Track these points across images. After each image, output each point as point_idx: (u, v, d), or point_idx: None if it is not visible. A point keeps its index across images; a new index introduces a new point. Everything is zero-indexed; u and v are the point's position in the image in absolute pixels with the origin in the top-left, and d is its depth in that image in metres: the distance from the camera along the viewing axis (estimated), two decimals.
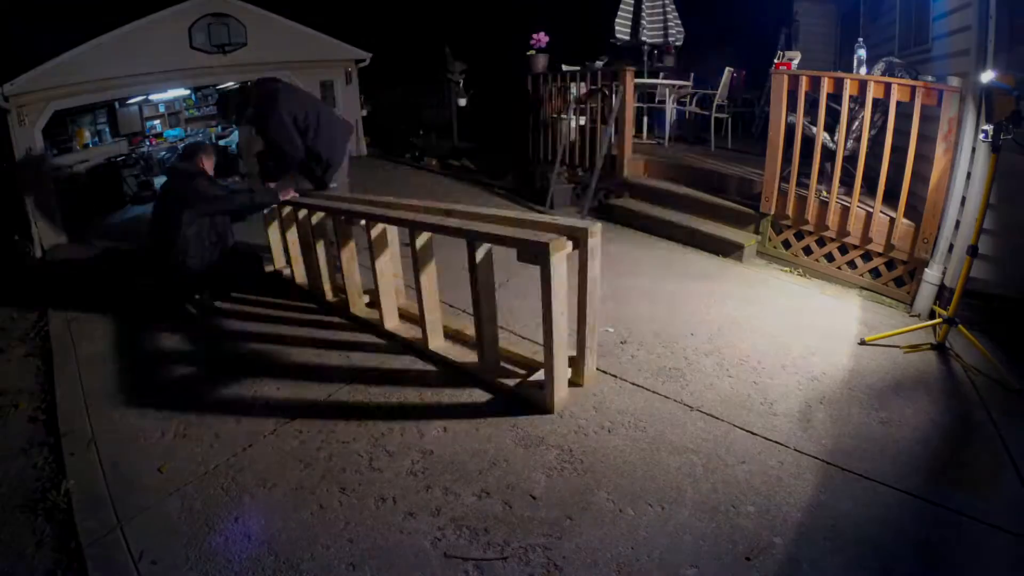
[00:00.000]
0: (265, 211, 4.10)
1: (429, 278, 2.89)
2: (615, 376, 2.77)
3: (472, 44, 8.44)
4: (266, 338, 3.41)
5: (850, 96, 3.60)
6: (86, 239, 5.81)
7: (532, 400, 2.56)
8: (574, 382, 2.68)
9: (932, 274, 3.30)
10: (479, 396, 2.67)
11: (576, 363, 2.69)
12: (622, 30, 6.11)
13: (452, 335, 3.11)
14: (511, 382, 2.68)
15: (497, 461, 2.25)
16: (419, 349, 3.06)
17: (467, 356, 2.92)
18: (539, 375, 2.63)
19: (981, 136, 2.81)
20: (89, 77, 6.12)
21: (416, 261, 2.84)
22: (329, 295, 3.72)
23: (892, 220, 3.50)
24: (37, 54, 5.72)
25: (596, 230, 2.48)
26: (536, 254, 2.32)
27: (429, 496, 2.10)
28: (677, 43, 6.26)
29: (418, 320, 3.03)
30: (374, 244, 3.10)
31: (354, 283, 3.49)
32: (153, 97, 9.17)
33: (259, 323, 3.65)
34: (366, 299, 3.60)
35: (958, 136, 3.13)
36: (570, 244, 2.40)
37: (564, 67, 5.80)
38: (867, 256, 3.72)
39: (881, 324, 3.23)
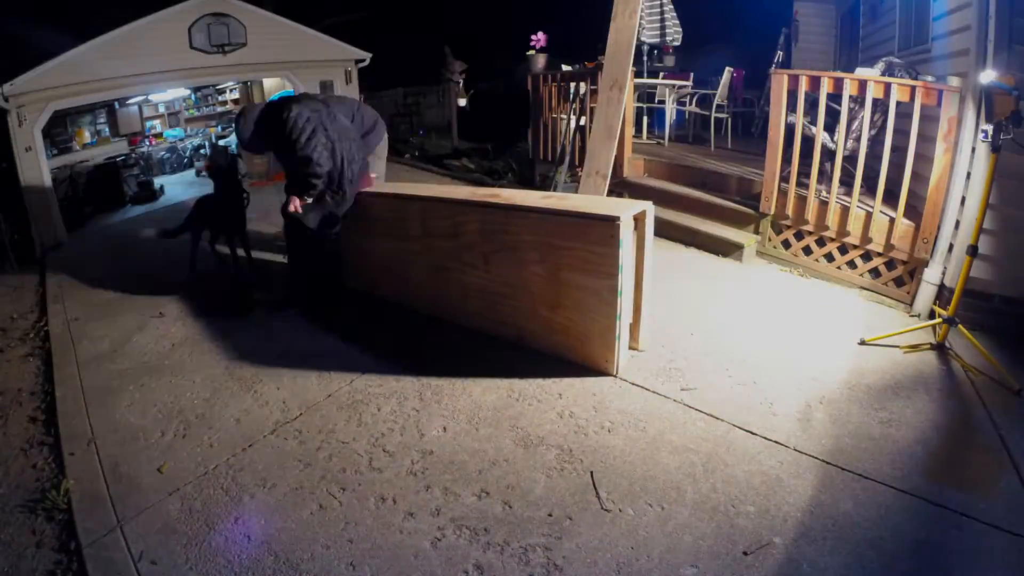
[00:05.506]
0: None
1: None
2: (615, 376, 2.77)
3: (472, 44, 8.44)
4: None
5: (850, 96, 3.60)
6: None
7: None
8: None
9: (932, 274, 3.29)
10: None
11: (633, 329, 2.95)
12: None
13: None
14: None
15: (497, 461, 2.25)
16: None
17: None
18: None
19: (981, 136, 2.81)
20: (89, 77, 6.12)
21: None
22: None
23: (892, 220, 3.50)
24: (37, 54, 5.72)
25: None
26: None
27: (429, 496, 2.10)
28: (675, 43, 6.27)
29: None
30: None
31: None
32: (153, 97, 9.18)
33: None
34: None
35: (958, 136, 3.13)
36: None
37: (564, 67, 5.80)
38: (867, 256, 3.72)
39: (881, 324, 3.23)
